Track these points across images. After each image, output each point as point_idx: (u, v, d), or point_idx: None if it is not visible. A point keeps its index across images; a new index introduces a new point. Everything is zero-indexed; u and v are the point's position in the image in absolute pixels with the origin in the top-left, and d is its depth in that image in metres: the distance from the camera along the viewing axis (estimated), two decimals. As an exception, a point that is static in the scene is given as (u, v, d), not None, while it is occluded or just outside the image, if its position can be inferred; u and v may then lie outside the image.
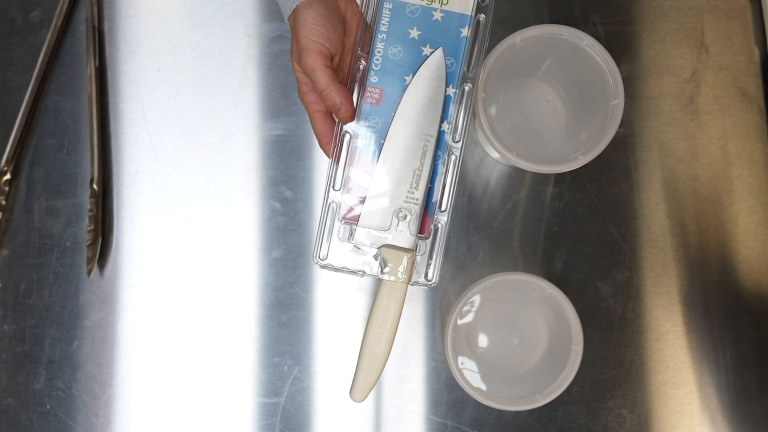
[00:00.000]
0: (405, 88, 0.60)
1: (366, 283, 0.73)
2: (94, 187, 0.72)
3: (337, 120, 0.60)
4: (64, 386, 0.72)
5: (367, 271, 0.61)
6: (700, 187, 0.74)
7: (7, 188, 0.72)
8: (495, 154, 0.72)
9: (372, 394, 0.72)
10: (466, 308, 0.72)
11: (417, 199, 0.60)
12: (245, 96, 0.74)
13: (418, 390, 0.72)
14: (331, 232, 0.61)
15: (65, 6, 0.74)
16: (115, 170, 0.73)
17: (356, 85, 0.61)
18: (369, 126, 0.60)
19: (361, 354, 0.59)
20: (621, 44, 0.75)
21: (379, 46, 0.61)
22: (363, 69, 0.61)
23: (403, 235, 0.60)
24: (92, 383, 0.72)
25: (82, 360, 0.72)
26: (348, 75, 0.61)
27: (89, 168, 0.73)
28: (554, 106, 0.72)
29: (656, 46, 0.75)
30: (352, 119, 0.59)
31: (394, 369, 0.72)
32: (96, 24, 0.74)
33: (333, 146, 0.60)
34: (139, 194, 0.73)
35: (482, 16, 0.62)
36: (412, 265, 0.60)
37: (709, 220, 0.74)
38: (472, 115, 0.63)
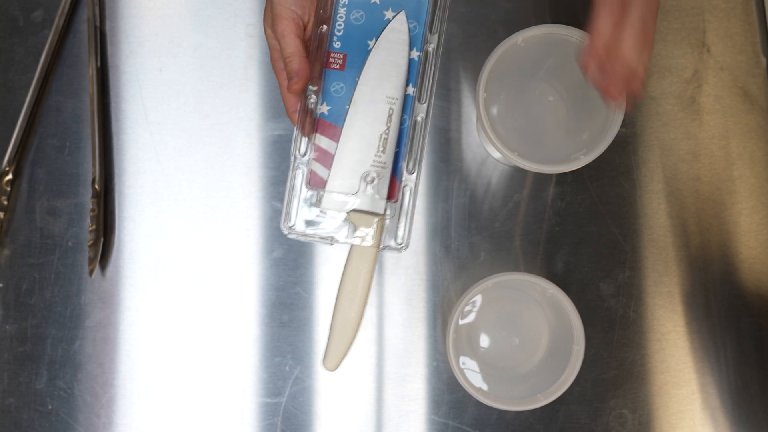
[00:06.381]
0: (368, 52, 0.60)
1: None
2: (96, 187, 0.72)
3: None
4: (66, 386, 0.72)
5: (337, 237, 0.60)
6: (701, 187, 0.74)
7: (8, 188, 0.72)
8: (496, 154, 0.72)
9: (373, 394, 0.72)
10: (467, 308, 0.72)
11: (384, 163, 0.60)
12: (247, 96, 0.74)
13: (420, 390, 0.72)
14: (299, 200, 0.60)
15: (67, 6, 0.74)
16: (116, 170, 0.73)
17: (318, 48, 0.60)
18: (334, 91, 0.60)
19: (333, 322, 0.58)
20: (622, 44, 0.75)
21: (341, 11, 0.61)
22: (325, 32, 0.60)
23: (372, 199, 0.60)
24: (94, 383, 0.72)
25: (84, 360, 0.72)
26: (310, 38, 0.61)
27: (91, 168, 0.73)
28: (556, 106, 0.72)
29: (658, 45, 0.75)
30: (298, 93, 0.59)
31: (395, 369, 0.72)
32: (98, 24, 0.74)
33: (299, 112, 0.60)
34: (141, 194, 0.73)
35: None
36: (382, 229, 0.59)
37: (711, 220, 0.74)
38: (436, 78, 0.62)
